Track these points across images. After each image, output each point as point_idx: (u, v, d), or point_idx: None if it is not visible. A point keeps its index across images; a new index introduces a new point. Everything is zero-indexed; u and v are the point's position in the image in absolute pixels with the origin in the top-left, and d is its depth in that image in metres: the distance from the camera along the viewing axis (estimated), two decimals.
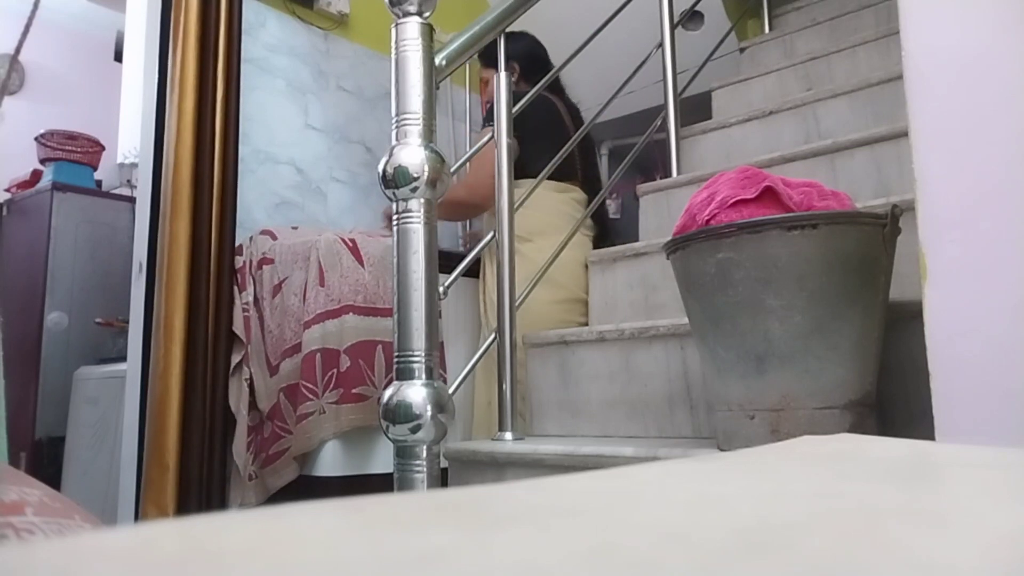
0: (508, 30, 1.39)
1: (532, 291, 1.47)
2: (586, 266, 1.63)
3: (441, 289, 1.13)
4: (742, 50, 2.46)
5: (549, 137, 1.74)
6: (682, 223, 1.00)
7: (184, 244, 1.71)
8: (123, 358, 1.92)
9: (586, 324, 1.63)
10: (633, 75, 1.87)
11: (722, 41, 2.42)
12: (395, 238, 1.05)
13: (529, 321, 1.49)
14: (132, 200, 2.49)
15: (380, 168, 1.05)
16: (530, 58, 1.96)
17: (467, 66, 2.11)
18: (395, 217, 1.06)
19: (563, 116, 1.91)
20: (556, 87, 1.96)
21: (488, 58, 1.87)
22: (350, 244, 1.69)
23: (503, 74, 1.36)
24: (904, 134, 0.82)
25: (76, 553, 0.16)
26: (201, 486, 1.65)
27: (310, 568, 0.16)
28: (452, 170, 1.14)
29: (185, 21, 1.79)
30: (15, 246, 2.77)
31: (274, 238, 1.78)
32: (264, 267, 1.75)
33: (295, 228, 1.90)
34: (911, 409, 0.96)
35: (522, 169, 1.65)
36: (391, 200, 1.06)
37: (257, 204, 2.03)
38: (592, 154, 2.06)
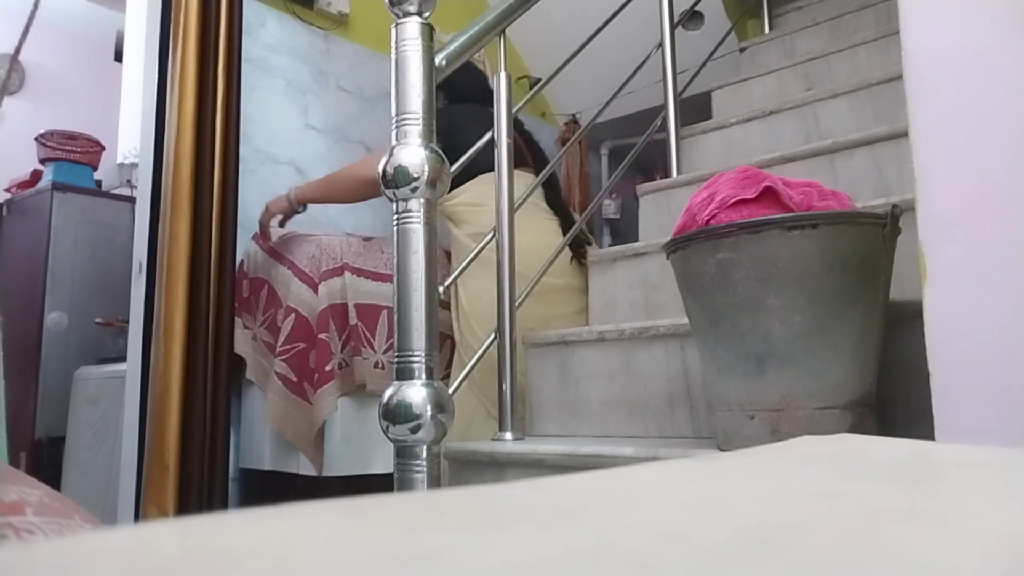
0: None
1: (488, 284, 1.48)
2: (581, 259, 1.64)
3: (441, 289, 1.13)
4: (742, 50, 2.46)
5: (476, 139, 1.67)
6: (682, 223, 1.00)
7: (185, 244, 1.71)
8: (123, 358, 1.92)
9: (559, 313, 1.63)
10: (633, 75, 1.86)
11: (722, 41, 2.42)
12: (395, 238, 1.05)
13: (489, 313, 1.48)
14: (132, 200, 2.49)
15: (380, 168, 1.05)
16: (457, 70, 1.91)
17: None
18: (395, 217, 1.06)
19: (488, 116, 1.85)
20: (486, 96, 1.91)
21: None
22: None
23: (503, 74, 1.37)
24: (904, 134, 0.82)
25: (76, 553, 0.16)
26: (202, 486, 1.65)
27: (310, 568, 0.16)
28: (452, 170, 1.14)
29: (185, 21, 1.79)
30: (15, 246, 2.77)
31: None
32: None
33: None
34: (911, 409, 0.96)
35: (466, 177, 1.67)
36: (391, 200, 1.06)
37: (257, 204, 2.02)
38: (534, 140, 1.96)
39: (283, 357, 1.70)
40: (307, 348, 1.71)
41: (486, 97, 1.86)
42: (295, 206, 1.86)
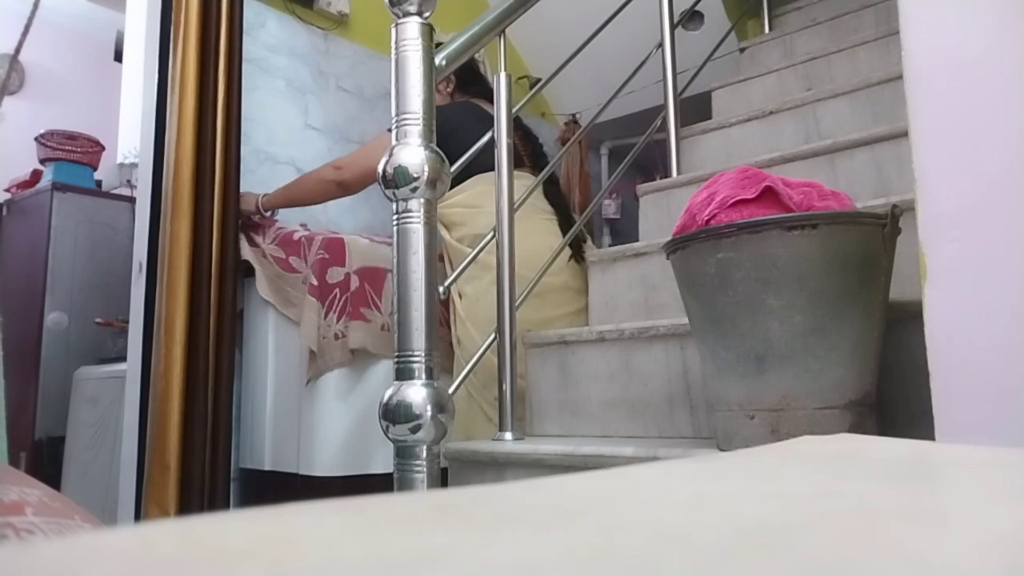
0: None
1: (487, 287, 1.47)
2: (573, 258, 1.66)
3: (441, 289, 1.13)
4: (742, 50, 2.46)
5: (477, 139, 1.65)
6: (682, 223, 1.00)
7: (185, 244, 1.71)
8: (123, 358, 1.92)
9: (559, 314, 1.63)
10: (633, 75, 1.86)
11: (722, 41, 2.42)
12: (395, 238, 1.05)
13: (487, 316, 1.45)
14: (132, 200, 2.49)
15: (380, 168, 1.05)
16: (465, 69, 1.87)
17: None
18: (395, 217, 1.06)
19: (484, 113, 1.79)
20: (488, 94, 1.87)
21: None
22: None
23: (503, 74, 1.36)
24: (904, 134, 0.82)
25: (76, 553, 0.16)
26: (203, 485, 1.65)
27: (310, 568, 0.16)
28: (452, 169, 1.14)
29: (186, 21, 1.79)
30: (15, 246, 2.77)
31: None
32: None
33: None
34: (911, 409, 0.96)
35: (461, 178, 1.66)
36: (391, 200, 1.06)
37: None
38: (535, 139, 1.93)
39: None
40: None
41: (484, 92, 1.86)
42: (262, 212, 1.89)
